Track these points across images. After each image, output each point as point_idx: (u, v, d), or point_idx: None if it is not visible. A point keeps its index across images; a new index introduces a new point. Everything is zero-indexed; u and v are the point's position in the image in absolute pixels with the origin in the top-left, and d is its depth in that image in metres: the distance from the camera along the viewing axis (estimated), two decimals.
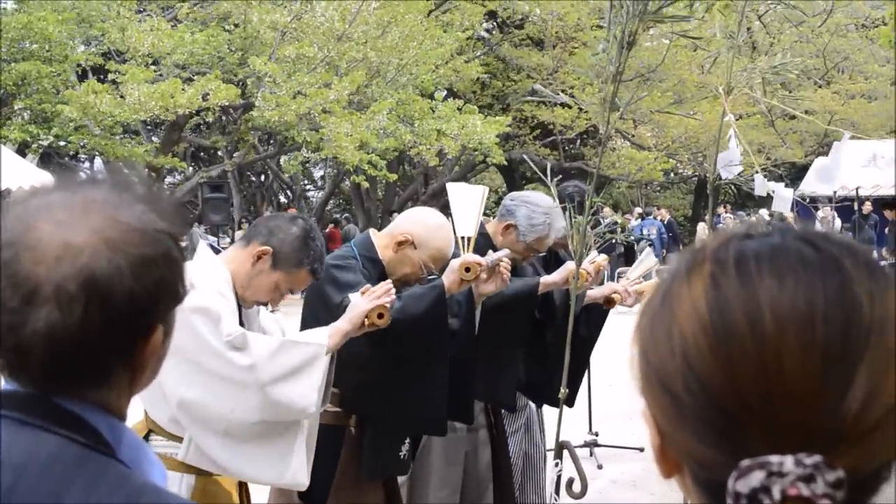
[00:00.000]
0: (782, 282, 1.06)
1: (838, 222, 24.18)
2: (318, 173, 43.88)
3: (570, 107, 32.90)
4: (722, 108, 5.35)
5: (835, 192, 22.69)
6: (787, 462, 1.01)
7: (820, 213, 26.48)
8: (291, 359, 4.04)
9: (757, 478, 1.02)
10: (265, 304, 4.33)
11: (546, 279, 5.48)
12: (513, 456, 5.99)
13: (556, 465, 5.02)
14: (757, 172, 5.42)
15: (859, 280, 1.08)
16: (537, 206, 5.58)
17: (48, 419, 1.49)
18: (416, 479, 5.37)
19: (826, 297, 1.05)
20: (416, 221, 4.92)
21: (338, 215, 38.71)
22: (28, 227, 1.48)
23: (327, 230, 29.24)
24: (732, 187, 5.41)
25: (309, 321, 4.69)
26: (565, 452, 5.21)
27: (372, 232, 5.01)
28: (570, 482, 5.36)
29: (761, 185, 5.26)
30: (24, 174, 19.29)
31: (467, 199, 4.88)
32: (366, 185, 29.13)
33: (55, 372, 1.48)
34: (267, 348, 4.03)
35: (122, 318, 1.48)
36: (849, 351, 1.04)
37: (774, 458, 1.02)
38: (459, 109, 27.53)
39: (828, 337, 1.04)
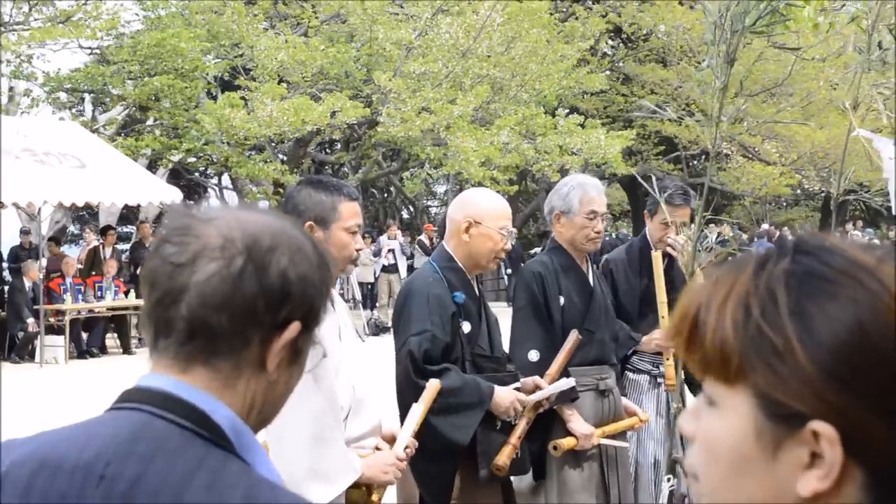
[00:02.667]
0: None
1: None
2: (439, 189, 44.08)
3: (698, 121, 32.61)
4: (849, 123, 5.25)
5: None
6: None
7: None
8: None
9: None
10: (353, 263, 4.32)
11: None
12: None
13: (669, 479, 4.98)
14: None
15: None
16: (557, 186, 5.68)
17: (176, 413, 1.55)
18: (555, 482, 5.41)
19: None
20: (463, 205, 5.01)
21: None
22: (207, 212, 1.64)
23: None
24: (862, 204, 5.30)
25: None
26: (678, 468, 5.17)
27: (444, 242, 5.07)
28: (683, 498, 5.32)
29: None
30: (153, 190, 19.74)
31: None
32: None
33: (198, 329, 1.57)
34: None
35: (271, 291, 1.58)
36: None
37: None
38: (581, 125, 27.45)
39: None
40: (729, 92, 4.40)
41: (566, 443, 5.29)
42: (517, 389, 4.95)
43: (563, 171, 28.13)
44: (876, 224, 40.90)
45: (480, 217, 4.90)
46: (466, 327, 4.85)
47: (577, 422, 5.34)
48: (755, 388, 1.13)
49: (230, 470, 1.51)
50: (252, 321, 1.58)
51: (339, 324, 4.14)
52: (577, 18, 31.52)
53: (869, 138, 5.15)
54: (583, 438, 5.32)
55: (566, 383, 5.13)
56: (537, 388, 5.07)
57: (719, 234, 28.24)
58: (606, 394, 5.57)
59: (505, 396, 4.81)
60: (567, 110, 30.25)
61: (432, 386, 4.52)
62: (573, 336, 5.26)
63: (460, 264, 4.95)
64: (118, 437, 1.53)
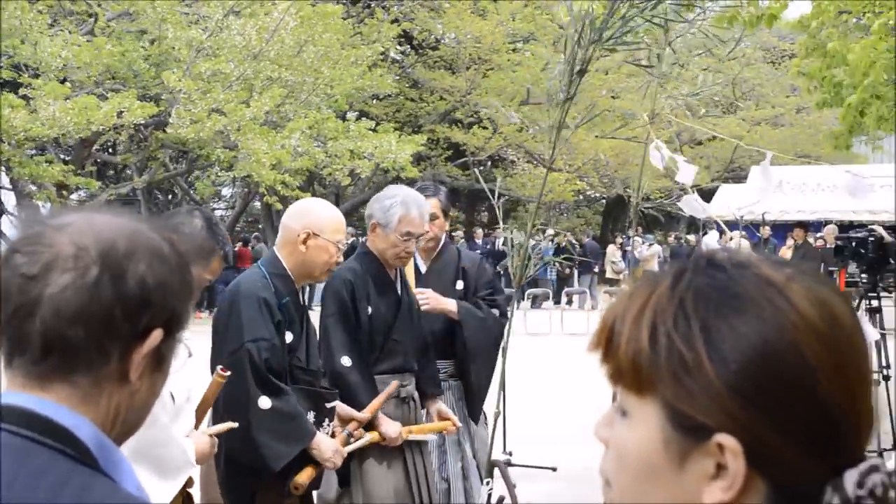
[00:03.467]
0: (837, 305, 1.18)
1: (745, 243, 24.60)
2: (226, 192, 43.61)
3: (484, 128, 33.17)
4: (647, 132, 5.45)
5: (741, 216, 23.08)
6: (890, 463, 1.13)
7: (727, 236, 26.88)
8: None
9: (876, 479, 1.10)
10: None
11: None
12: (446, 470, 6.10)
13: (487, 483, 5.06)
14: (687, 194, 5.54)
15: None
16: (383, 195, 5.68)
17: (39, 431, 1.49)
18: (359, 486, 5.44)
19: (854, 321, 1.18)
20: (302, 215, 5.03)
21: (247, 234, 38.46)
22: (60, 219, 1.58)
23: (237, 249, 29.04)
24: (642, 211, 5.52)
25: (215, 346, 4.88)
26: (496, 471, 5.25)
27: (276, 248, 5.06)
28: (501, 500, 5.42)
29: (692, 206, 5.38)
30: None
31: None
32: (278, 205, 29.04)
33: (54, 345, 1.50)
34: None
35: (129, 301, 1.52)
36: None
37: (877, 461, 1.11)
38: (373, 129, 27.57)
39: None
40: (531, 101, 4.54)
41: (371, 436, 5.34)
42: (332, 409, 5.03)
43: (354, 176, 28.23)
44: (650, 230, 42.23)
45: (319, 229, 4.91)
46: (289, 337, 4.85)
47: (385, 424, 5.40)
48: (664, 399, 1.16)
49: (97, 489, 1.46)
50: (111, 333, 1.52)
51: None
52: (368, 22, 31.67)
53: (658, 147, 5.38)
54: (391, 439, 5.40)
55: (374, 436, 5.30)
56: (352, 419, 5.19)
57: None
58: (407, 400, 5.64)
59: (328, 447, 4.90)
60: (357, 114, 30.32)
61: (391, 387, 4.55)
62: (393, 384, 5.41)
63: (290, 272, 4.94)
64: None
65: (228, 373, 4.25)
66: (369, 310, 5.50)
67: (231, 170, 26.16)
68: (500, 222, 5.33)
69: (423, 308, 5.92)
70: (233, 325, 4.75)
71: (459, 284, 6.38)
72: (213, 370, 4.42)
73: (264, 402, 4.66)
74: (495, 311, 6.35)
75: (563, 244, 31.21)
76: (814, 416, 1.11)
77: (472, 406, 6.30)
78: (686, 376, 1.14)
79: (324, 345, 5.31)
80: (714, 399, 1.13)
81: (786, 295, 1.15)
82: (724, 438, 1.13)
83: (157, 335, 1.57)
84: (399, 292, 5.71)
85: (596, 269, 32.42)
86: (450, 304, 6.14)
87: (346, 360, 5.35)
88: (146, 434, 3.73)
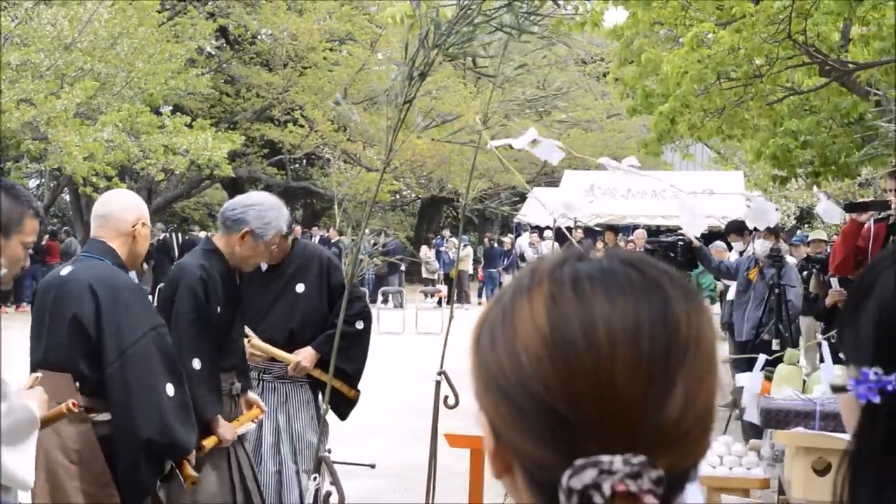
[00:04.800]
0: (613, 301, 1.19)
1: (556, 245, 25.08)
2: (32, 183, 42.47)
3: (302, 126, 33.05)
4: (478, 135, 5.52)
5: (554, 220, 23.52)
6: (617, 461, 1.14)
7: (530, 238, 27.49)
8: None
9: (589, 475, 1.14)
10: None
11: None
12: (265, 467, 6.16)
13: (315, 479, 5.10)
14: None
15: (677, 300, 1.21)
16: (263, 205, 5.71)
17: None
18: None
19: (651, 317, 1.19)
20: (132, 208, 5.03)
21: (56, 228, 37.51)
22: None
23: (44, 243, 28.31)
24: (453, 211, 5.57)
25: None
26: (323, 467, 5.29)
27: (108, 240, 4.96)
28: (328, 496, 5.45)
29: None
30: None
31: None
32: (95, 196, 28.40)
33: None
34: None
35: None
36: (669, 364, 1.17)
37: (605, 458, 1.14)
38: (189, 125, 27.24)
39: (652, 352, 1.16)
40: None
41: (208, 442, 5.36)
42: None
43: (168, 171, 27.82)
44: (465, 231, 42.67)
45: (147, 218, 4.99)
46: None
47: (221, 425, 5.44)
48: None
49: None
50: None
51: None
52: (182, 20, 31.27)
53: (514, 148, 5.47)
54: (226, 440, 5.46)
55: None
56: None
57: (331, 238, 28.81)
58: (235, 397, 5.72)
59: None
60: (172, 109, 29.96)
61: None
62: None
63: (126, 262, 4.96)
64: None
65: (77, 409, 4.22)
66: (218, 309, 5.51)
67: (41, 161, 25.54)
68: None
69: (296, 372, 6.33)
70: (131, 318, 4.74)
71: (300, 287, 6.48)
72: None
73: (170, 390, 4.73)
74: (359, 324, 6.57)
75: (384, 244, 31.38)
76: (540, 413, 1.17)
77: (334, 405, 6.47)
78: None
79: (175, 342, 5.11)
80: (476, 379, 1.24)
81: (531, 299, 1.21)
82: (481, 416, 1.24)
83: None
84: (239, 293, 5.78)
85: (402, 269, 32.66)
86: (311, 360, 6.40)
87: (196, 363, 5.34)
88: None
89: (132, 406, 4.61)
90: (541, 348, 1.17)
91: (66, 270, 4.84)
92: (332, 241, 28.16)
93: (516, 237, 33.10)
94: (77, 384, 4.63)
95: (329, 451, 9.56)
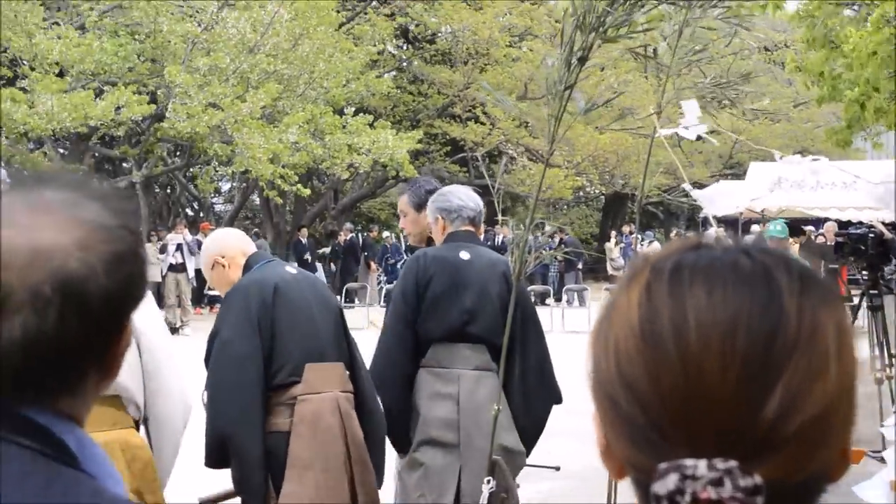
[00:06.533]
0: (710, 292, 1.10)
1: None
2: (225, 186, 43.63)
3: (482, 123, 33.12)
4: (652, 127, 5.38)
5: (741, 214, 23.05)
6: (701, 466, 1.04)
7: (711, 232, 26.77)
8: None
9: (672, 480, 1.05)
10: None
11: None
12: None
13: (489, 481, 5.03)
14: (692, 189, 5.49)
15: (790, 292, 1.10)
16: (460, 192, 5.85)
17: (15, 431, 1.41)
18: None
19: (751, 309, 1.09)
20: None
21: (247, 230, 38.47)
22: None
23: None
24: (643, 207, 5.40)
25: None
26: (497, 469, 5.22)
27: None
28: (503, 499, 5.38)
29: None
30: None
31: None
32: (279, 199, 29.05)
33: (28, 381, 1.41)
34: None
35: (98, 320, 1.42)
36: (770, 362, 1.07)
37: (689, 462, 1.05)
38: (371, 125, 27.57)
39: (748, 348, 1.07)
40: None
41: None
42: None
43: (352, 171, 28.23)
44: (650, 226, 42.22)
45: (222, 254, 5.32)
46: None
47: None
48: None
49: (82, 492, 1.40)
50: (85, 353, 1.43)
51: None
52: (364, 17, 31.66)
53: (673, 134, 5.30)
54: None
55: None
56: None
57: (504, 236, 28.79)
58: None
59: None
60: (355, 109, 30.34)
61: None
62: None
63: None
64: None
65: None
66: None
67: (229, 164, 26.19)
68: (499, 216, 5.28)
69: None
70: None
71: None
72: None
73: None
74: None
75: (561, 240, 31.24)
76: (633, 413, 1.11)
77: None
78: None
79: None
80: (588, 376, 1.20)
81: (629, 291, 1.16)
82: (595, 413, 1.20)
83: (128, 332, 1.50)
84: None
85: (580, 266, 32.46)
86: None
87: None
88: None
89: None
90: (632, 344, 1.12)
91: (292, 269, 5.26)
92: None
93: (702, 231, 32.55)
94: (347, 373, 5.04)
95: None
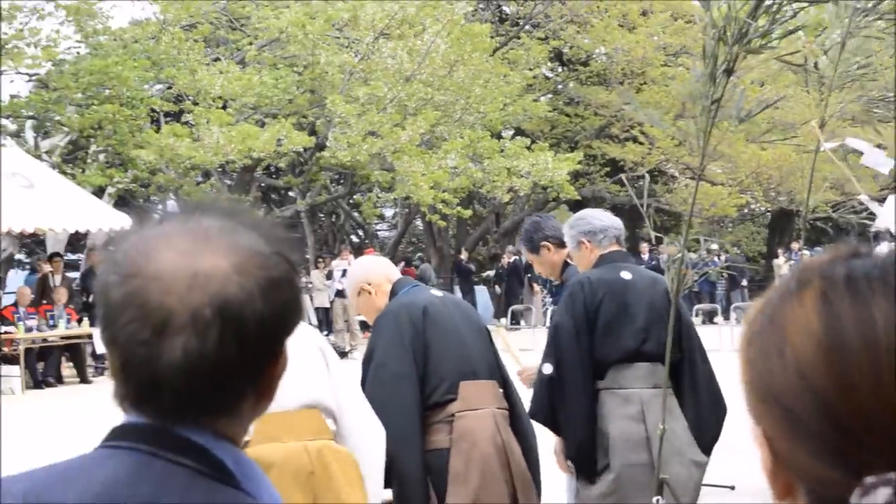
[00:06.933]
0: (893, 300, 1.08)
1: None
2: (387, 212, 44.17)
3: (641, 143, 32.87)
4: (816, 141, 5.27)
5: None
6: None
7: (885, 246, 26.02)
8: None
9: (883, 495, 1.03)
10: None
11: None
12: None
13: (657, 501, 5.00)
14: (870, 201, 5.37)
15: None
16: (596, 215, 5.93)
17: (175, 451, 1.47)
18: None
19: None
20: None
21: (410, 254, 38.82)
22: (150, 257, 1.46)
23: (401, 269, 29.34)
24: (810, 223, 5.27)
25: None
26: (665, 488, 5.18)
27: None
28: None
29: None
30: (102, 216, 19.61)
31: None
32: (442, 223, 29.30)
33: (188, 402, 1.46)
34: None
35: (255, 343, 1.46)
36: None
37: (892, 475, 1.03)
38: (529, 148, 27.59)
39: None
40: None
41: None
42: None
43: (513, 193, 28.29)
44: (819, 243, 41.25)
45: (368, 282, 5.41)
46: None
47: None
48: None
49: None
50: (242, 376, 1.48)
51: None
52: (518, 41, 31.74)
53: (858, 151, 5.18)
54: None
55: None
56: None
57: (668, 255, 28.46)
58: None
59: None
60: (513, 132, 30.42)
61: None
62: None
63: None
64: (116, 478, 1.45)
65: None
66: None
67: (391, 191, 26.50)
68: (650, 233, 5.27)
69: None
70: None
71: None
72: None
73: None
74: None
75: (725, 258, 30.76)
76: (821, 426, 1.08)
77: None
78: None
79: None
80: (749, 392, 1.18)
81: (801, 300, 1.14)
82: (757, 431, 1.17)
83: (284, 357, 1.55)
84: None
85: (744, 283, 31.90)
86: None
87: None
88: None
89: None
90: (815, 354, 1.09)
91: (437, 292, 5.36)
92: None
93: (874, 246, 31.68)
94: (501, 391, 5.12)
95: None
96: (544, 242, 6.10)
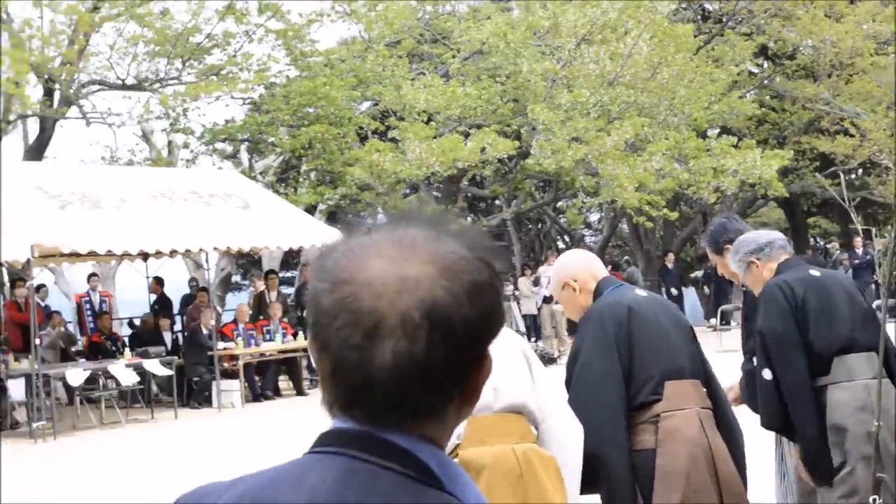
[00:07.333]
0: None
1: None
2: (592, 217, 44.09)
3: (852, 136, 32.03)
4: None
5: None
6: None
7: None
8: None
9: None
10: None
11: None
12: None
13: (874, 501, 4.94)
14: None
15: None
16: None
17: (381, 455, 1.50)
18: None
19: None
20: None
21: (617, 258, 38.72)
22: (360, 265, 1.51)
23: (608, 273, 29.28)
24: None
25: None
26: (882, 486, 5.12)
27: None
28: None
29: None
30: (314, 233, 20.23)
31: None
32: (649, 224, 29.16)
33: (397, 405, 1.50)
34: None
35: (462, 346, 1.49)
36: None
37: None
38: (735, 146, 27.24)
39: None
40: None
41: None
42: None
43: (719, 193, 27.95)
44: None
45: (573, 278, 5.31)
46: None
47: None
48: None
49: None
50: (450, 379, 1.52)
51: None
52: (722, 38, 31.35)
53: None
54: None
55: None
56: None
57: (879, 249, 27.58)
58: None
59: None
60: (718, 131, 30.03)
61: None
62: None
63: None
64: (325, 481, 1.50)
65: None
66: None
67: (596, 195, 26.50)
68: (858, 227, 5.20)
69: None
70: None
71: None
72: None
73: None
74: None
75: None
76: None
77: None
78: None
79: None
80: None
81: None
82: None
83: (489, 360, 1.57)
84: None
85: None
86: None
87: None
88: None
89: None
90: None
91: (642, 292, 5.22)
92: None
93: None
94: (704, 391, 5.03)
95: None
96: (728, 245, 6.04)
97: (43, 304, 21.48)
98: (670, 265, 31.77)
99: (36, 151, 25.35)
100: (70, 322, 22.51)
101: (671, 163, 25.84)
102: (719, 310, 27.63)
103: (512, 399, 4.24)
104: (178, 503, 1.59)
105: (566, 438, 4.39)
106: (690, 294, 34.08)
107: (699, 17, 34.50)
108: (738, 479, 4.89)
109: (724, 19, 32.99)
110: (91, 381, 17.79)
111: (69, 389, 18.36)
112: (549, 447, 4.31)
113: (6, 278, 22.25)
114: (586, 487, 4.75)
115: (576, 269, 5.18)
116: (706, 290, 31.98)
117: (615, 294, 5.05)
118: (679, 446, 4.74)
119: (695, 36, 28.62)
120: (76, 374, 17.38)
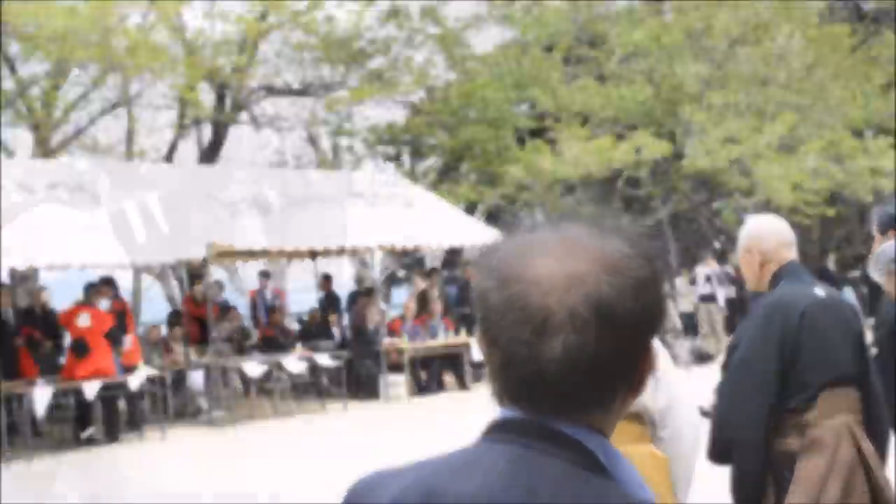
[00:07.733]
0: None
1: None
2: (748, 217, 43.53)
3: None
4: None
5: None
6: None
7: None
8: None
9: None
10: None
11: None
12: None
13: None
14: None
15: None
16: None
17: (550, 443, 1.53)
18: None
19: None
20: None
21: None
22: (527, 263, 1.54)
23: None
24: None
25: None
26: None
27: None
28: None
29: None
30: (474, 232, 20.86)
31: None
32: (807, 221, 29.01)
33: (567, 396, 1.53)
34: None
35: (628, 338, 1.52)
36: None
37: None
38: (894, 146, 27.00)
39: None
40: None
41: None
42: None
43: (877, 194, 27.70)
44: None
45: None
46: None
47: None
48: None
49: (613, 497, 1.52)
50: (618, 373, 1.55)
51: None
52: (880, 37, 31.00)
53: None
54: None
55: None
56: None
57: None
58: None
59: None
60: (875, 130, 29.69)
61: None
62: None
63: None
64: (497, 468, 1.52)
65: None
66: None
67: (750, 195, 26.52)
68: None
69: None
70: None
71: None
72: None
73: None
74: None
75: None
76: None
77: None
78: None
79: None
80: None
81: None
82: None
83: (652, 353, 1.60)
84: None
85: None
86: None
87: None
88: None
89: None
90: None
91: (821, 291, 4.96)
92: None
93: None
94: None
95: None
96: (891, 231, 6.15)
97: (219, 300, 22.34)
98: (829, 265, 31.50)
99: (209, 155, 26.50)
100: (244, 317, 23.34)
101: (826, 163, 25.75)
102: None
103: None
104: (357, 486, 1.64)
105: (683, 439, 4.35)
106: (848, 294, 33.82)
107: (854, 17, 34.16)
108: (889, 486, 4.79)
109: (881, 18, 32.63)
110: (265, 373, 18.65)
111: (245, 381, 19.30)
112: (666, 446, 4.30)
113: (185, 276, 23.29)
114: (719, 458, 4.91)
115: (765, 240, 4.97)
116: (864, 289, 31.67)
117: (793, 290, 4.89)
118: (822, 458, 4.67)
119: (850, 35, 28.43)
120: (254, 367, 18.34)
